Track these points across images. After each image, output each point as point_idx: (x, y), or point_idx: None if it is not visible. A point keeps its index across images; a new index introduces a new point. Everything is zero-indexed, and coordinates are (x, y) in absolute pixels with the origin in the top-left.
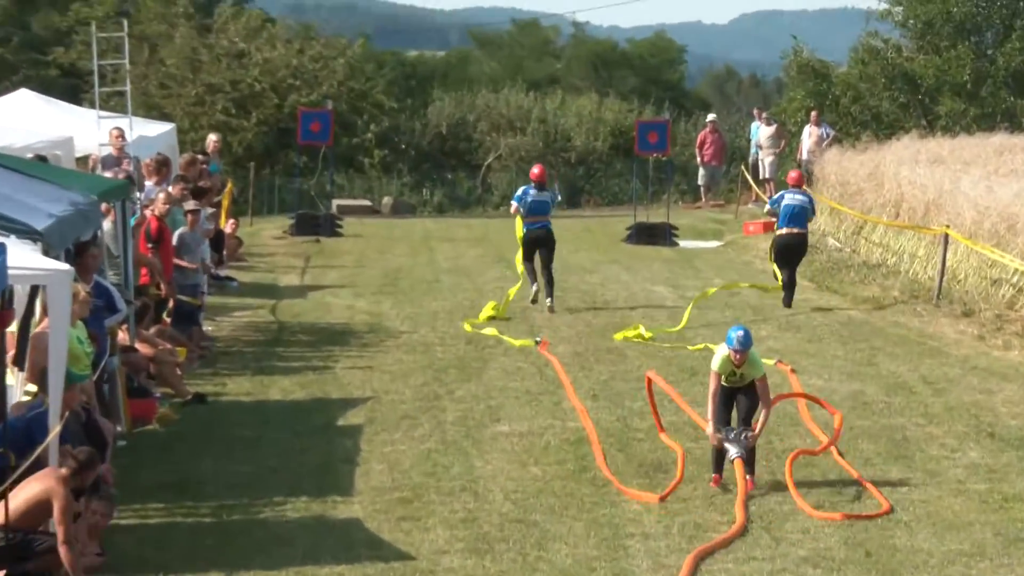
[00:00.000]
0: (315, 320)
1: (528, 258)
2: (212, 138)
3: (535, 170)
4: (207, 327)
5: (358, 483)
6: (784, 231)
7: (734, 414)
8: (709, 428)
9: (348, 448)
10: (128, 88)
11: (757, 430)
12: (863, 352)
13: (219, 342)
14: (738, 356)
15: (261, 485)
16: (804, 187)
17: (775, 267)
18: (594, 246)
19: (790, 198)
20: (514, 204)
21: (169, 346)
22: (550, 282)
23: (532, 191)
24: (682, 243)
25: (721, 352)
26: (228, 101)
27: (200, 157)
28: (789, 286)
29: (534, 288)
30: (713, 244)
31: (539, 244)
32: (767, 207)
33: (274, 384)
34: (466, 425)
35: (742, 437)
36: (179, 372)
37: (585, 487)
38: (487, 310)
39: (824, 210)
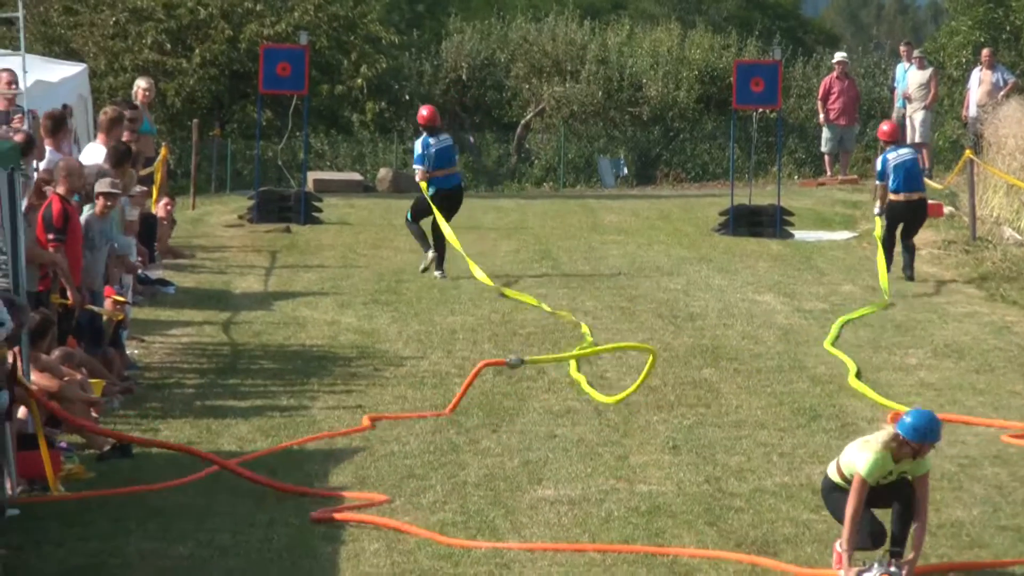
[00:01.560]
0: (283, 341)
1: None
2: (140, 84)
3: (424, 112)
4: (133, 351)
5: (344, 570)
6: (902, 196)
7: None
8: (844, 561)
9: None
10: (21, 14)
11: (913, 555)
12: None
13: (149, 372)
14: (925, 449)
15: (209, 573)
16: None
17: (882, 253)
18: (675, 239)
19: (895, 155)
20: (419, 168)
21: (79, 376)
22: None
23: (431, 139)
24: (798, 234)
25: (874, 450)
26: (161, 33)
27: (128, 113)
28: (908, 251)
29: (430, 255)
30: (842, 236)
31: (454, 204)
32: (877, 180)
33: (226, 430)
34: (495, 488)
35: (891, 569)
36: (93, 413)
37: (661, 575)
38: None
39: (999, 188)
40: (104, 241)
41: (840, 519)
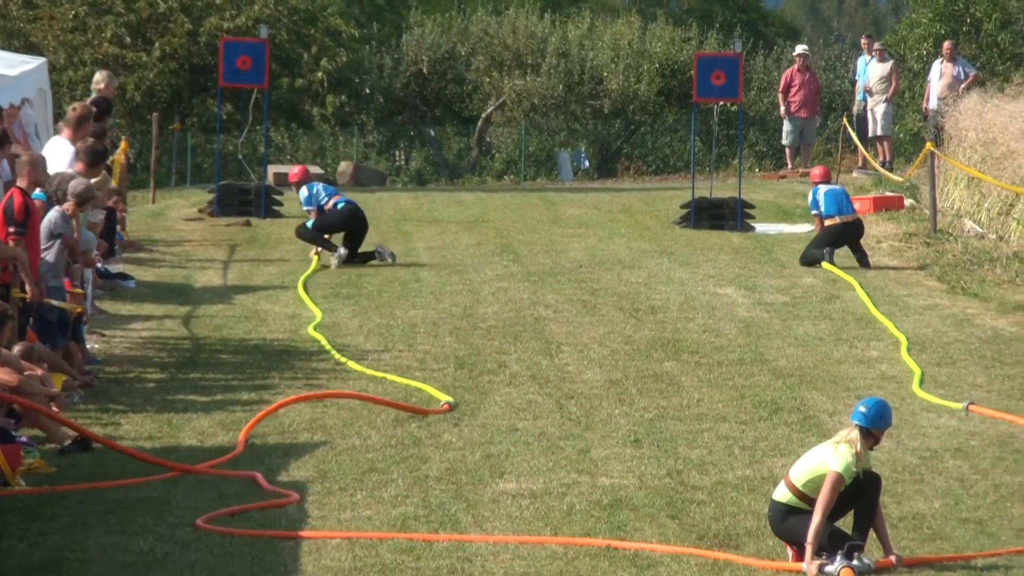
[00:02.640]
0: (244, 335)
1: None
2: (101, 78)
3: (297, 168)
4: (93, 345)
5: (305, 564)
6: (838, 219)
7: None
8: (807, 553)
9: (291, 514)
10: None
11: (888, 552)
12: (1015, 380)
13: (109, 366)
14: (880, 436)
15: (170, 567)
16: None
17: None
18: (636, 232)
19: (826, 187)
20: (313, 210)
21: (40, 371)
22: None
23: (314, 186)
24: (759, 227)
25: (846, 450)
26: (120, 26)
27: (94, 109)
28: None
29: (342, 252)
30: (803, 228)
31: (358, 222)
32: (813, 211)
33: (187, 425)
34: (457, 482)
35: (854, 563)
36: (54, 408)
37: (623, 568)
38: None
39: (959, 181)
40: (71, 233)
41: (801, 541)
